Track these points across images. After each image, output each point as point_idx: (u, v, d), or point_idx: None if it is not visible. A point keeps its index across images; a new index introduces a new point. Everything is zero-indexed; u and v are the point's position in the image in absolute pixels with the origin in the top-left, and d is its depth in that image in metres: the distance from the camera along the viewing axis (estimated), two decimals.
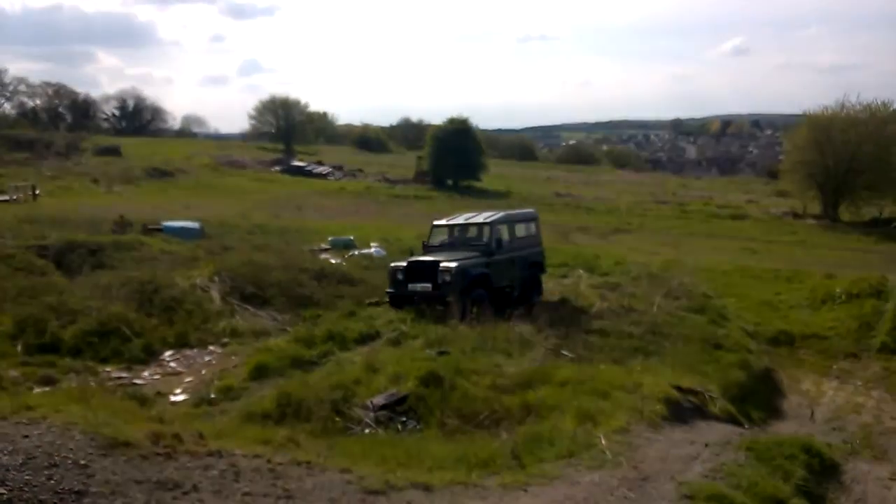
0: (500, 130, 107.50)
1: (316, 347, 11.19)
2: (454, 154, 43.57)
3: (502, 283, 13.93)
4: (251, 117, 70.69)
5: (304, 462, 5.00)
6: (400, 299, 13.25)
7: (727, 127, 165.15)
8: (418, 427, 7.87)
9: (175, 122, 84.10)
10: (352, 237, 20.57)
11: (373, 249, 19.14)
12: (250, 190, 38.65)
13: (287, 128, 66.63)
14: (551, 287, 15.97)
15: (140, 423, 4.61)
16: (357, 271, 16.36)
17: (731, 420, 8.93)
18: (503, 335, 11.08)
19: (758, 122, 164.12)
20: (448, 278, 12.70)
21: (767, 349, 14.33)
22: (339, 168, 52.03)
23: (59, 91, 73.42)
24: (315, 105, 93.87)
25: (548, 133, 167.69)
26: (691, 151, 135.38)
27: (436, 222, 15.46)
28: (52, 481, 3.37)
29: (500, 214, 15.02)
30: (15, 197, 29.72)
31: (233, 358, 11.04)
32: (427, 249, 14.50)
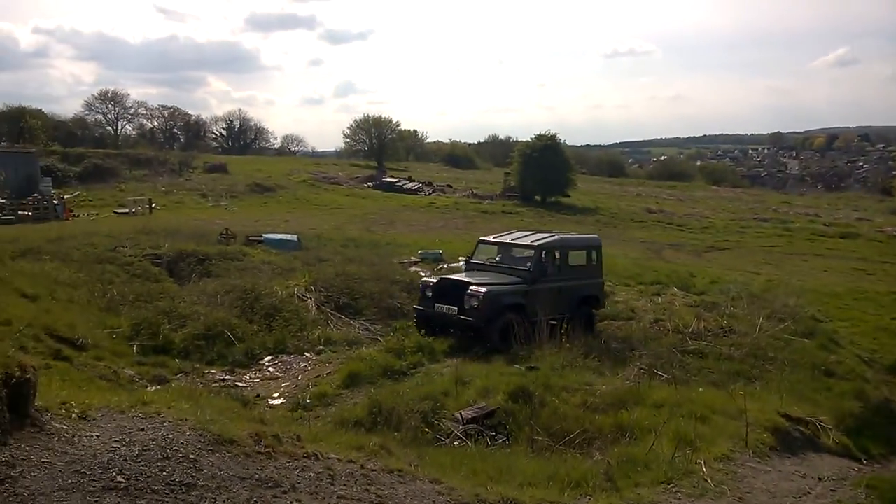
0: (588, 146, 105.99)
1: (406, 358, 11.37)
2: (542, 170, 43.29)
3: (542, 315, 12.01)
4: (345, 136, 72.96)
5: (396, 470, 5.06)
6: (426, 320, 12.39)
7: (833, 141, 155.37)
8: (507, 442, 7.81)
9: (276, 141, 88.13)
10: (441, 251, 20.72)
11: (461, 263, 19.20)
12: (344, 205, 39.82)
13: (379, 145, 68.31)
14: (642, 305, 15.46)
15: (243, 422, 4.81)
16: None
17: (847, 454, 8.32)
18: (595, 351, 10.84)
19: (867, 136, 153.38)
20: (475, 303, 11.49)
21: (886, 378, 13.25)
22: (429, 184, 52.70)
23: (174, 113, 78.71)
24: (406, 123, 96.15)
25: (637, 149, 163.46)
26: (793, 167, 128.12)
27: (482, 238, 14.30)
28: (164, 473, 3.57)
29: (553, 238, 13.49)
30: (134, 210, 31.99)
31: (327, 365, 11.36)
32: (469, 267, 13.46)
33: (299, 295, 14.28)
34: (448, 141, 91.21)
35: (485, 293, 11.52)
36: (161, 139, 74.98)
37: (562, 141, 47.40)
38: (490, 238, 14.12)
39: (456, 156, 78.92)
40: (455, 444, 7.64)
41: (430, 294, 12.34)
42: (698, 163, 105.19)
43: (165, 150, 62.53)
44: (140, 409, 4.43)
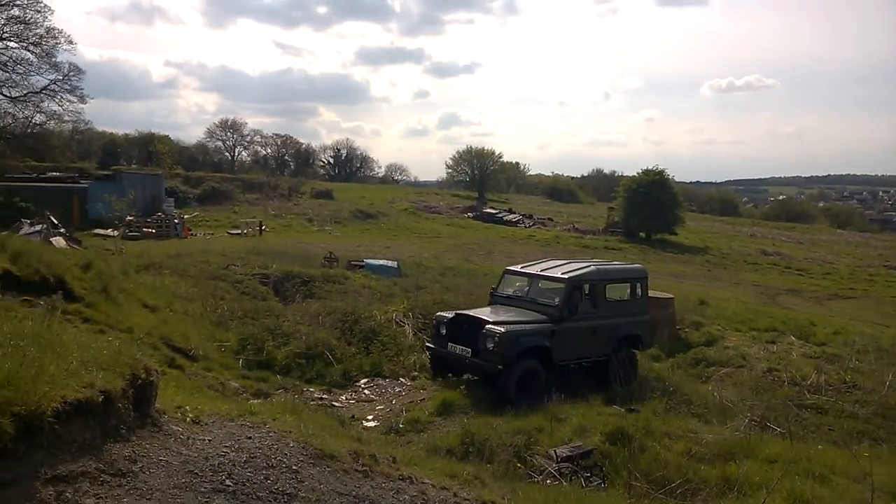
0: (698, 183, 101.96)
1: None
2: (648, 206, 42.21)
3: (570, 359, 11.18)
4: (448, 167, 74.46)
5: (490, 501, 4.96)
6: (440, 361, 11.30)
7: None
8: (603, 485, 7.51)
9: (380, 170, 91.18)
10: None
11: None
12: (444, 234, 40.36)
13: (480, 177, 69.08)
14: (755, 352, 14.57)
15: (342, 440, 4.88)
16: None
17: None
18: (701, 398, 10.29)
19: None
20: (491, 345, 10.20)
21: None
22: (529, 216, 52.62)
23: (286, 141, 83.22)
24: (508, 156, 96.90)
25: (752, 187, 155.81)
26: None
27: (509, 268, 12.95)
28: (269, 481, 3.66)
29: (587, 269, 11.92)
30: (245, 231, 33.86)
31: (421, 392, 11.39)
32: (493, 300, 12.18)
33: (397, 320, 14.49)
34: (550, 174, 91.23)
35: (502, 334, 10.20)
36: (273, 165, 79.28)
37: (670, 177, 46.22)
38: (517, 268, 12.73)
39: (558, 189, 78.54)
40: (548, 481, 7.43)
41: (443, 331, 11.12)
42: (821, 204, 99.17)
43: (277, 175, 66.02)
44: (248, 419, 4.59)
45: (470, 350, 10.50)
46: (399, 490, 4.43)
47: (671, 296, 16.72)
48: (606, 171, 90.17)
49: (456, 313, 11.36)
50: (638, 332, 12.16)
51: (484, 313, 11.12)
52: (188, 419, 4.25)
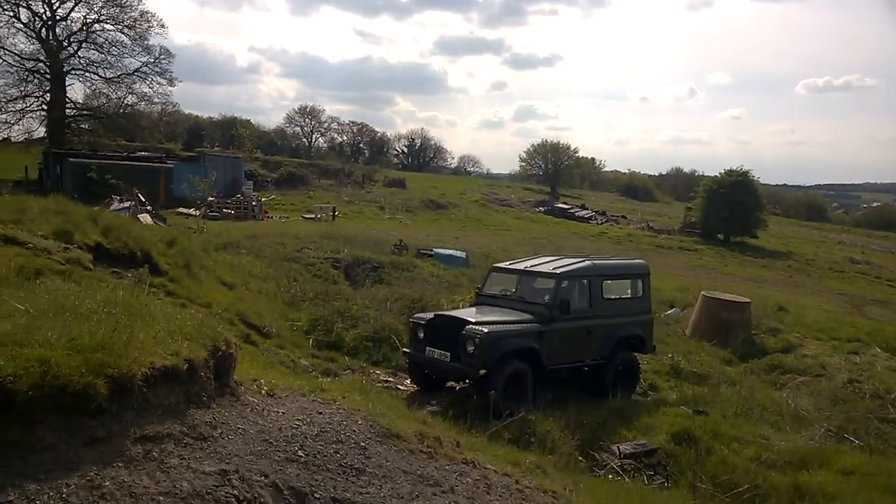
0: (784, 186, 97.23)
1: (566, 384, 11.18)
2: (728, 207, 40.72)
3: (562, 363, 10.18)
4: (521, 160, 73.95)
5: (551, 491, 4.96)
6: (418, 367, 10.23)
7: None
8: (667, 485, 7.39)
9: (453, 161, 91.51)
10: None
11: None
12: (513, 227, 40.21)
13: (554, 171, 68.29)
14: (835, 362, 13.91)
15: (408, 421, 4.99)
16: None
17: None
18: (774, 405, 9.93)
19: None
20: (471, 348, 9.15)
21: None
22: (602, 213, 51.75)
23: (362, 129, 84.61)
24: (583, 151, 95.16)
25: (844, 192, 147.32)
26: None
27: (496, 265, 12.08)
28: (338, 455, 3.80)
29: (581, 264, 10.94)
30: (319, 216, 34.73)
31: None
32: (479, 300, 11.13)
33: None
34: (626, 171, 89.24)
35: (483, 335, 9.16)
36: (348, 153, 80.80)
37: (754, 178, 44.36)
38: (505, 265, 11.72)
39: (633, 187, 76.81)
40: (610, 476, 7.36)
41: (421, 335, 9.99)
42: None
43: (351, 163, 67.29)
44: (318, 395, 4.75)
45: (449, 354, 9.42)
46: (462, 473, 4.49)
47: (748, 300, 16.17)
48: (686, 169, 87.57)
49: (435, 314, 10.42)
50: (639, 332, 11.25)
51: (466, 314, 10.20)
52: (263, 392, 4.43)
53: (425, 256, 21.24)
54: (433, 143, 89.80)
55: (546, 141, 71.47)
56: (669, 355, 13.32)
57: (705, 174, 58.11)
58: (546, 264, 11.00)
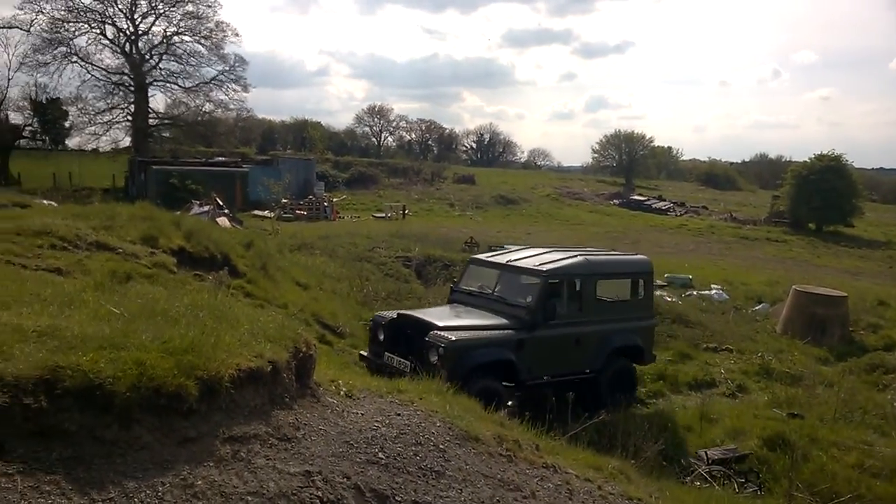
0: (882, 170, 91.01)
1: (645, 385, 10.92)
2: (820, 194, 38.52)
3: (545, 377, 8.68)
4: (594, 151, 72.81)
5: (636, 498, 4.80)
6: (378, 373, 8.12)
7: None
8: (759, 493, 7.06)
9: (523, 155, 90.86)
10: (690, 276, 19.52)
11: (713, 292, 17.88)
12: (587, 221, 39.51)
13: (629, 162, 66.85)
14: None
15: (486, 423, 4.93)
16: (694, 313, 15.45)
17: None
18: (877, 408, 9.32)
19: None
20: (434, 358, 7.82)
21: None
22: (681, 204, 50.20)
23: (430, 126, 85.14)
24: (659, 140, 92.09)
25: None
26: None
27: (475, 257, 10.70)
28: (418, 457, 3.78)
29: (572, 260, 9.52)
30: (389, 215, 35.15)
31: None
32: (452, 297, 9.82)
33: None
34: (706, 159, 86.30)
35: (449, 343, 7.84)
36: (417, 150, 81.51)
37: (848, 162, 41.85)
38: (485, 257, 10.31)
39: (714, 175, 74.17)
40: (697, 483, 7.08)
41: (381, 337, 8.84)
42: None
43: (420, 160, 67.89)
44: (396, 396, 4.75)
45: (409, 363, 8.10)
46: (543, 478, 4.40)
47: (844, 294, 15.26)
48: (772, 155, 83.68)
49: (398, 314, 9.12)
50: (637, 341, 9.77)
51: (434, 315, 8.80)
52: (342, 392, 4.46)
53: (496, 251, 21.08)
54: (502, 137, 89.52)
55: (619, 131, 70.13)
56: (759, 354, 12.73)
57: (793, 160, 55.44)
58: (533, 259, 9.63)
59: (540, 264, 9.29)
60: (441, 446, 4.03)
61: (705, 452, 7.59)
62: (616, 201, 50.53)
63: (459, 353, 7.91)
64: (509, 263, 9.54)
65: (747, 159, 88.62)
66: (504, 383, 8.15)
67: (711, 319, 15.12)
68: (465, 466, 3.95)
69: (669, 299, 16.50)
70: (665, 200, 51.26)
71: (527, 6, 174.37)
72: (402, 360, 8.30)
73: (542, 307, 8.66)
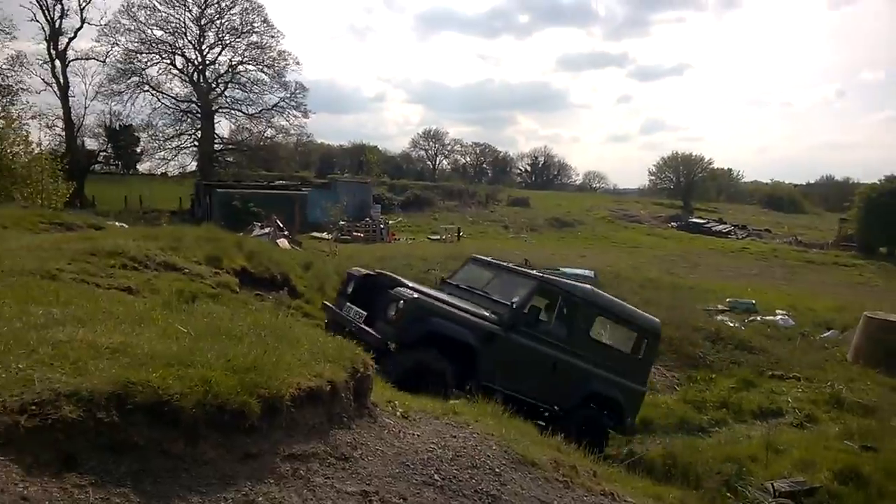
0: None
1: (707, 413, 10.63)
2: (891, 217, 36.85)
3: (505, 385, 7.67)
4: (651, 173, 71.88)
5: None
6: (333, 324, 7.94)
7: None
8: None
9: (577, 178, 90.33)
10: (753, 301, 18.90)
11: (778, 317, 17.25)
12: (644, 244, 38.82)
13: (687, 184, 65.59)
14: None
15: (542, 447, 4.87)
16: (758, 339, 14.94)
17: None
18: None
19: None
20: (392, 312, 7.24)
21: None
22: (742, 227, 48.86)
23: (485, 150, 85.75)
24: (719, 161, 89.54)
25: None
26: None
27: (475, 255, 10.32)
28: (473, 480, 3.76)
29: (580, 284, 9.22)
30: (444, 237, 35.34)
31: None
32: (443, 287, 9.19)
33: None
34: (768, 181, 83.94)
35: (411, 300, 7.23)
36: (471, 173, 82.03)
37: None
38: (488, 258, 9.94)
39: (777, 197, 72.01)
40: None
41: (349, 289, 8.27)
42: None
43: (475, 183, 68.29)
44: (452, 418, 4.75)
45: (366, 314, 7.61)
46: None
47: None
48: (838, 177, 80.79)
49: (377, 271, 8.79)
50: (619, 398, 8.66)
51: (412, 284, 8.27)
52: (398, 413, 4.49)
53: (552, 275, 20.88)
54: (557, 160, 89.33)
55: (677, 153, 69.04)
56: (828, 383, 12.19)
57: (861, 182, 53.34)
58: (540, 271, 9.27)
59: (539, 271, 8.94)
60: (497, 470, 4.00)
61: (772, 484, 7.27)
62: (674, 224, 49.55)
63: (418, 312, 7.18)
64: (509, 266, 9.21)
65: (812, 181, 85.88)
66: (454, 373, 7.19)
67: (777, 346, 14.60)
68: (521, 491, 3.90)
69: (732, 324, 16.01)
70: (725, 223, 50.03)
71: (581, 31, 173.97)
72: (360, 311, 7.71)
73: (526, 310, 7.92)
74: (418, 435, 4.13)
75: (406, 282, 8.13)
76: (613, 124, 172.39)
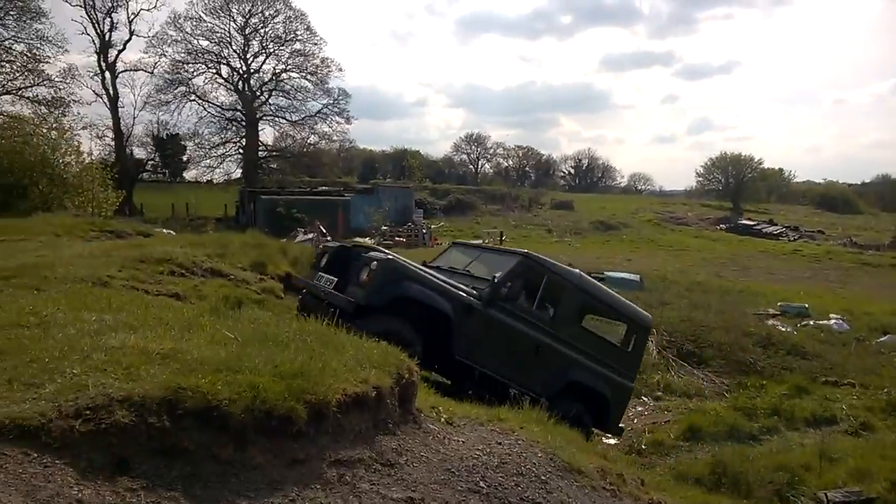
0: None
1: (758, 420, 10.32)
2: None
3: (481, 363, 7.25)
4: (698, 175, 70.43)
5: None
6: (309, 297, 7.78)
7: None
8: None
9: (622, 180, 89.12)
10: (806, 305, 18.33)
11: (832, 322, 16.69)
12: (691, 247, 38.06)
13: (736, 185, 64.07)
14: None
15: (589, 455, 4.80)
16: (811, 344, 14.47)
17: None
18: None
19: None
20: (364, 275, 6.77)
21: None
22: (794, 229, 47.51)
23: (528, 153, 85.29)
24: (769, 161, 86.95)
25: None
26: None
27: (458, 241, 9.47)
28: (519, 488, 3.73)
29: (569, 266, 8.56)
30: (486, 241, 35.26)
31: (665, 413, 10.85)
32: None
33: None
34: (821, 181, 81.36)
35: (385, 261, 6.86)
36: (514, 177, 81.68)
37: None
38: (468, 242, 9.52)
39: (831, 198, 69.77)
40: None
41: (323, 262, 7.90)
42: None
43: (517, 187, 67.99)
44: (497, 425, 4.71)
45: (336, 280, 7.23)
46: None
47: None
48: (895, 175, 77.83)
49: (352, 243, 8.36)
50: (605, 392, 8.08)
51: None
52: (442, 419, 4.48)
53: (596, 280, 20.63)
54: (601, 162, 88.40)
55: (725, 153, 67.47)
56: (885, 389, 11.72)
57: None
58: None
59: (523, 251, 8.29)
60: (543, 477, 3.95)
61: (825, 494, 7.02)
62: (723, 226, 48.49)
63: (392, 274, 6.74)
64: (493, 248, 8.64)
65: (867, 180, 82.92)
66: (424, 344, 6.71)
67: (830, 351, 14.11)
68: (568, 500, 3.85)
69: (783, 329, 15.55)
70: (776, 225, 48.74)
71: (625, 30, 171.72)
72: (331, 277, 7.32)
73: (508, 286, 7.31)
74: (463, 441, 4.12)
75: (374, 246, 7.57)
76: (659, 125, 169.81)
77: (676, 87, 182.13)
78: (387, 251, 7.49)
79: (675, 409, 11.01)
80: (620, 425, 8.78)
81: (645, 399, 11.59)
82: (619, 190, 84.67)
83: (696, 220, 50.78)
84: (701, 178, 69.90)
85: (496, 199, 54.30)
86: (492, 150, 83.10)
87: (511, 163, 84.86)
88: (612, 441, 9.48)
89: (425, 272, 7.17)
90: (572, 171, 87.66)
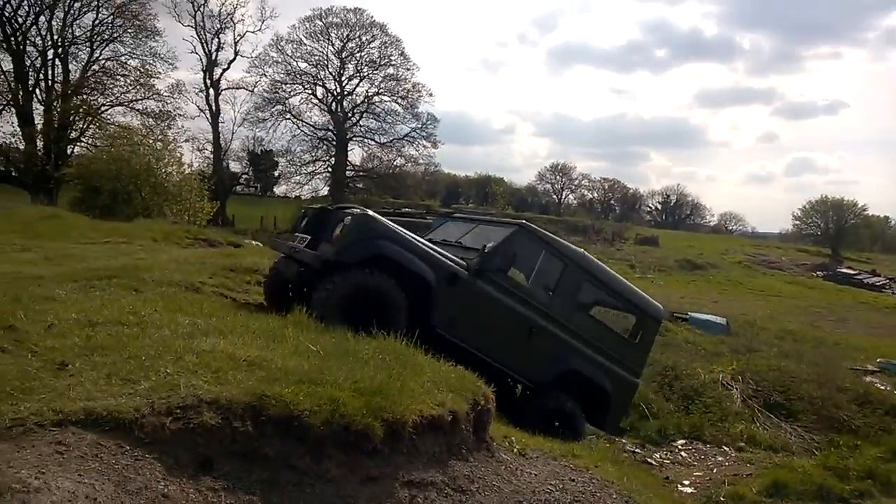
0: None
1: (850, 483, 9.57)
2: None
3: (465, 338, 6.53)
4: (795, 217, 67.07)
5: None
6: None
7: None
8: None
9: (712, 218, 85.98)
10: None
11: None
12: (784, 293, 36.19)
13: (836, 231, 60.65)
14: None
15: (665, 500, 4.60)
16: None
17: None
18: None
19: None
20: (338, 230, 6.20)
21: None
22: None
23: (614, 186, 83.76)
24: (875, 208, 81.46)
25: None
26: None
27: (454, 214, 8.86)
28: None
29: (569, 244, 7.75)
30: None
31: (748, 465, 10.27)
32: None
33: (724, 383, 13.33)
34: None
35: (361, 215, 6.32)
36: (598, 209, 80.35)
37: None
38: (466, 215, 8.82)
39: None
40: None
41: (304, 223, 7.31)
42: None
43: (601, 220, 66.79)
44: (570, 461, 4.60)
45: (310, 238, 6.77)
46: None
47: None
48: None
49: (335, 205, 7.88)
50: (605, 385, 7.39)
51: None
52: (515, 450, 4.41)
53: (680, 320, 19.92)
54: (690, 199, 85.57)
55: (826, 196, 63.95)
56: None
57: None
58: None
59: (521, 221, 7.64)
60: None
61: None
62: (820, 273, 45.89)
63: (366, 231, 6.14)
64: (491, 218, 8.20)
65: None
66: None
67: None
68: None
69: (883, 387, 14.49)
70: (880, 276, 45.70)
71: (724, 66, 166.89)
72: (305, 235, 6.87)
73: (501, 255, 6.68)
74: (535, 474, 4.03)
75: (353, 206, 7.26)
76: (755, 164, 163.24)
77: (776, 126, 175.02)
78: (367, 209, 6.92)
79: (758, 462, 10.42)
80: (621, 425, 8.19)
81: (726, 449, 11.04)
82: (708, 229, 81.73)
83: (790, 265, 48.30)
84: (798, 222, 66.57)
85: (578, 231, 53.54)
86: (577, 181, 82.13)
87: (596, 195, 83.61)
88: (689, 490, 9.07)
89: (409, 236, 6.54)
90: (659, 206, 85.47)
